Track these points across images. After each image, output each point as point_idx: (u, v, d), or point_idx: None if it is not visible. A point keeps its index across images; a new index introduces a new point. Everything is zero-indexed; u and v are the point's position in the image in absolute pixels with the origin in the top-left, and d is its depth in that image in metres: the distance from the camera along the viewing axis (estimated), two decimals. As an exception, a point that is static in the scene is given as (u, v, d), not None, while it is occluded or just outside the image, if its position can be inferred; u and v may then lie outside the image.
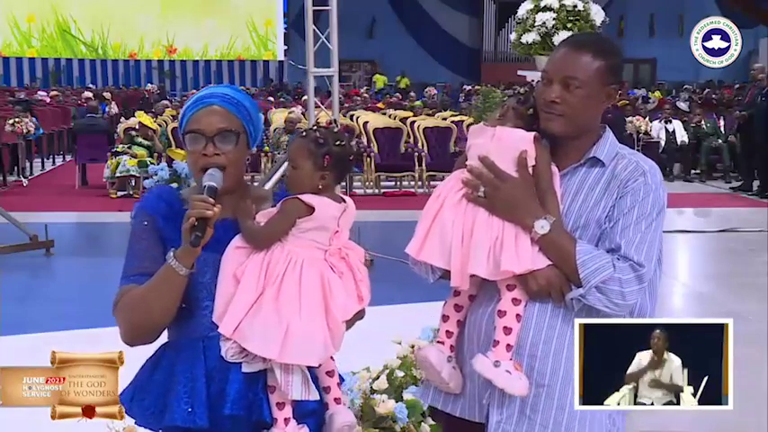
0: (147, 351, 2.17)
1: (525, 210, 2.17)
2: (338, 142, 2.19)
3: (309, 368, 2.14)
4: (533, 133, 2.22)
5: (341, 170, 2.20)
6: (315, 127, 2.26)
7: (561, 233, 2.17)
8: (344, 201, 2.22)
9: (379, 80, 30.31)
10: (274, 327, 2.05)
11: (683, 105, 17.77)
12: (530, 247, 2.15)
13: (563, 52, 2.25)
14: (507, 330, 2.16)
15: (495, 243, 2.16)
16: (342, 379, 2.32)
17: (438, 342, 2.32)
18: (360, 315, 2.22)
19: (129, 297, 2.12)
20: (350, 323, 2.19)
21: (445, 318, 2.32)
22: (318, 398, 2.17)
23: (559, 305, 2.18)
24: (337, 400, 2.23)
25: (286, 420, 2.12)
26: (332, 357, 2.22)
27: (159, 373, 2.14)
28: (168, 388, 2.10)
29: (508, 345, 2.16)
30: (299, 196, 2.14)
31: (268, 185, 7.44)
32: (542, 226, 2.14)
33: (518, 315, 2.17)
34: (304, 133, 2.22)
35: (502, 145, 2.21)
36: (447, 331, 2.31)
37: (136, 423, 2.16)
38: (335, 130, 2.28)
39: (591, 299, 2.13)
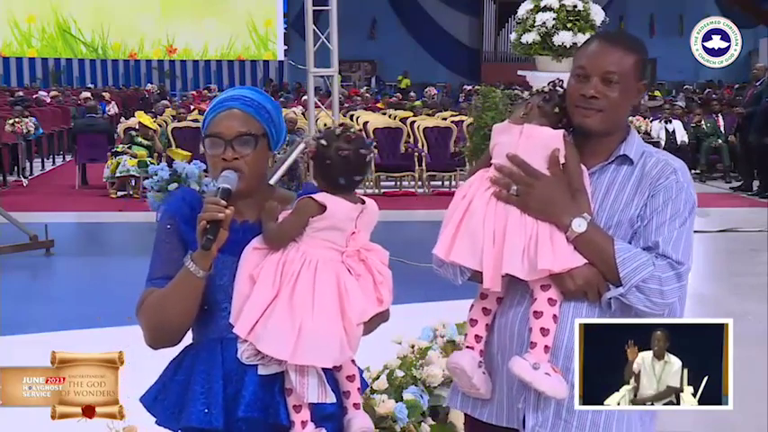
0: (149, 351, 2.17)
1: (561, 208, 2.13)
2: (337, 149, 2.10)
3: (326, 370, 2.10)
4: (563, 131, 2.18)
5: (327, 178, 2.12)
6: (336, 128, 2.16)
7: (598, 231, 2.14)
8: (363, 202, 2.17)
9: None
10: (287, 328, 2.03)
11: (683, 103, 17.73)
12: (566, 246, 2.11)
13: (599, 47, 2.20)
14: (545, 332, 2.12)
15: (529, 242, 2.12)
16: (365, 384, 2.28)
17: (467, 347, 2.27)
18: (382, 318, 2.18)
19: (149, 300, 2.12)
20: (370, 326, 2.15)
21: (473, 322, 2.27)
22: (335, 401, 2.14)
23: (595, 304, 2.15)
24: (356, 406, 2.21)
25: (303, 423, 2.09)
26: (353, 362, 2.19)
27: (181, 374, 2.14)
28: (187, 389, 2.10)
29: (546, 346, 2.12)
30: (312, 195, 2.11)
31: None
32: (579, 224, 2.11)
33: (554, 316, 2.13)
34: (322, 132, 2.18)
35: (531, 143, 2.17)
36: (476, 336, 2.26)
37: (157, 422, 2.15)
38: (341, 136, 2.11)
39: (631, 298, 2.10)
